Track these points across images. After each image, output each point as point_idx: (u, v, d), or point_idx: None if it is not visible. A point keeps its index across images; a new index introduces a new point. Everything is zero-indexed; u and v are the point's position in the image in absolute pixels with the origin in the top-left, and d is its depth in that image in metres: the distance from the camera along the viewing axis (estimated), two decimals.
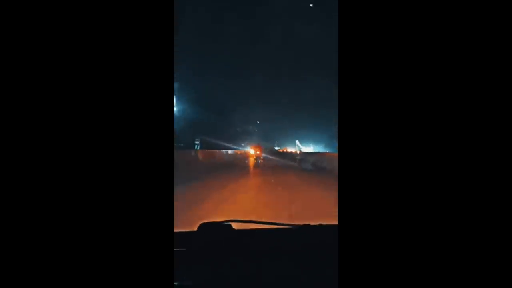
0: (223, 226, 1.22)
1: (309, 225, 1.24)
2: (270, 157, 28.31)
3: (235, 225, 1.23)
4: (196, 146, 27.74)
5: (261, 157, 24.64)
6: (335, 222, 0.76)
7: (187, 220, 2.06)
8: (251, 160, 23.00)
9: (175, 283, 0.85)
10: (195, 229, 1.19)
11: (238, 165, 17.71)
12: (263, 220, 1.26)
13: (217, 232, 1.20)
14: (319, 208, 5.46)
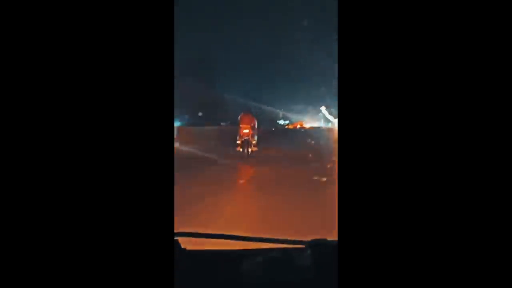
0: None
1: (324, 240, 0.78)
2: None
3: (185, 241, 0.78)
4: None
5: (254, 141, 10.35)
6: None
7: None
8: None
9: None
10: None
11: None
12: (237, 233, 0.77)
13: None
14: None
